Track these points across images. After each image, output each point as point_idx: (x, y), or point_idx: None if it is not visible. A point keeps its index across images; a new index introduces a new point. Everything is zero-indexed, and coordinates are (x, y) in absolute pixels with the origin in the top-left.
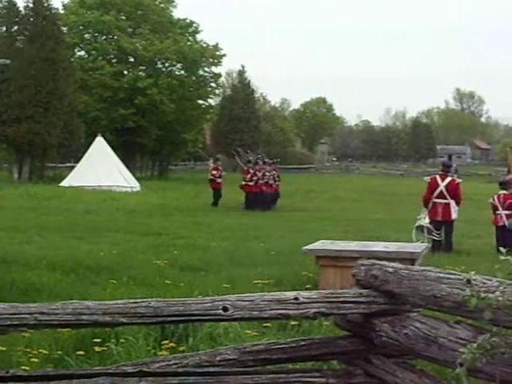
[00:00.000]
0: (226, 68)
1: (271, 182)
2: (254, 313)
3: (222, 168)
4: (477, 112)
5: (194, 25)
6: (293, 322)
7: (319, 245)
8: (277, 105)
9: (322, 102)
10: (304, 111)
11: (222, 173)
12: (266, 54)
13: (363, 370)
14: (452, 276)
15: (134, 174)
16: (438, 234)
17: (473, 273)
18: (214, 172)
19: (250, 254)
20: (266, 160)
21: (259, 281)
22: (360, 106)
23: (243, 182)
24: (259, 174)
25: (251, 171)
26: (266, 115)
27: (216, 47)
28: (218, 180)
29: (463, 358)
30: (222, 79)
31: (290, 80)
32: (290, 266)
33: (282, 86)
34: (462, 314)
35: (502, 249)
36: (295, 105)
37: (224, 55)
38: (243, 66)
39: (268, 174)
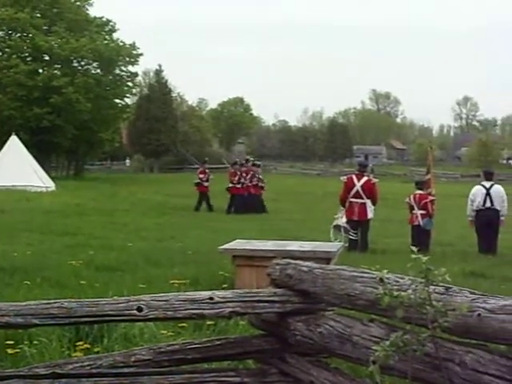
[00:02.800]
0: (143, 67)
1: (261, 184)
2: (169, 313)
3: (208, 171)
4: (393, 113)
5: (111, 23)
6: (209, 322)
7: (235, 244)
8: (194, 104)
9: (239, 101)
10: (221, 111)
11: (210, 176)
12: (184, 54)
13: (278, 368)
14: (365, 275)
15: (49, 174)
16: (355, 233)
17: (385, 271)
18: (201, 176)
19: (167, 253)
20: (256, 162)
21: (176, 281)
22: (277, 106)
23: (230, 185)
24: (247, 176)
25: (238, 173)
26: (183, 115)
27: (133, 46)
28: (205, 184)
29: (376, 356)
30: (139, 78)
31: (207, 80)
32: (207, 266)
33: (199, 86)
34: (375, 312)
35: (413, 248)
36: (213, 104)
37: (141, 54)
38: (160, 66)
39: (257, 175)
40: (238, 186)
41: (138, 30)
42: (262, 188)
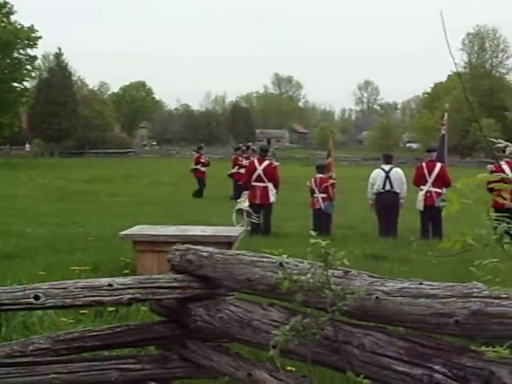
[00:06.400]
0: (43, 50)
1: None
2: (67, 300)
3: (205, 157)
4: (295, 97)
5: (8, 5)
6: (110, 309)
7: (136, 230)
8: (95, 88)
9: (141, 85)
10: (123, 95)
11: (206, 161)
12: (85, 38)
13: (179, 354)
14: (265, 259)
15: None
16: (257, 217)
17: (285, 256)
18: (203, 161)
19: (68, 239)
20: (255, 148)
21: (77, 267)
22: (180, 90)
23: (233, 171)
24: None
25: (240, 159)
26: (84, 99)
27: (31, 29)
28: (203, 169)
29: (276, 340)
30: (39, 62)
31: (107, 64)
32: (108, 252)
33: (99, 70)
34: (275, 296)
35: (312, 232)
36: (114, 88)
37: (40, 37)
38: (60, 49)
39: None
40: (242, 171)
41: (38, 12)
42: None
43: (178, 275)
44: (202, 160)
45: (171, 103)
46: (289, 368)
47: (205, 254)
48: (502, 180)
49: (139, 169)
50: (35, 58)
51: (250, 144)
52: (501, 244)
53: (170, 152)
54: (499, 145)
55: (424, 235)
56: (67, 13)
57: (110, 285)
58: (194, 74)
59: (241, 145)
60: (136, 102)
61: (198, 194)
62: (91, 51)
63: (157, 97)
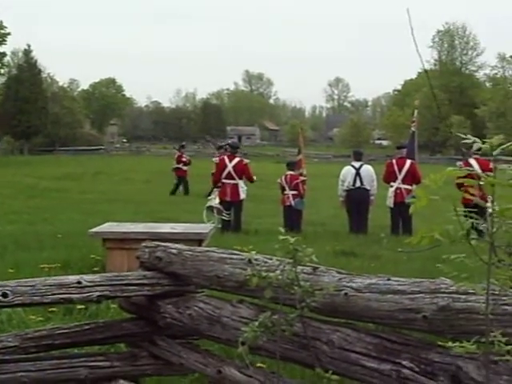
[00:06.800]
0: (12, 47)
1: None
2: (36, 298)
3: (186, 155)
4: (266, 94)
5: None
6: (80, 306)
7: (106, 227)
8: (65, 85)
9: (111, 82)
10: (93, 92)
11: (187, 159)
12: (54, 35)
13: (148, 352)
14: (235, 256)
15: None
16: (228, 214)
17: (254, 252)
18: (184, 159)
19: (37, 237)
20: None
21: (46, 265)
22: (150, 87)
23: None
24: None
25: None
26: (53, 96)
27: (0, 25)
28: (184, 168)
29: (245, 337)
30: (7, 58)
31: (77, 60)
32: (78, 249)
33: (70, 67)
34: (244, 293)
35: (281, 229)
36: (84, 85)
37: (9, 34)
38: (29, 46)
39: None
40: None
41: (6, 8)
42: None
43: (147, 272)
44: (184, 159)
45: (141, 100)
46: (259, 364)
47: (174, 251)
48: (470, 175)
49: (110, 166)
50: (4, 54)
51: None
52: (467, 240)
53: (140, 149)
54: (467, 141)
55: (394, 232)
56: (36, 9)
57: (78, 282)
58: (164, 71)
59: (223, 144)
60: (106, 99)
61: (174, 191)
62: (61, 48)
63: (127, 94)
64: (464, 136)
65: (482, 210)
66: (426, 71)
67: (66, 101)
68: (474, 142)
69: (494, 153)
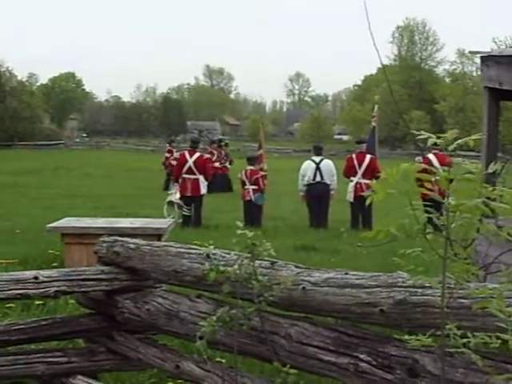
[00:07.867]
0: None
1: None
2: None
3: (175, 150)
4: (226, 88)
5: None
6: (37, 302)
7: (64, 222)
8: (24, 79)
9: (71, 76)
10: (52, 86)
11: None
12: (13, 28)
13: (106, 347)
14: (193, 251)
15: None
16: (188, 209)
17: (212, 247)
18: (168, 155)
19: None
20: (227, 142)
21: (3, 260)
22: (110, 82)
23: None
24: (223, 156)
25: (215, 152)
26: (12, 90)
27: None
28: (173, 162)
29: (203, 331)
30: None
31: (37, 55)
32: (36, 245)
33: (29, 61)
34: (202, 288)
35: (238, 223)
36: (43, 80)
37: None
38: None
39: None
40: (217, 165)
41: None
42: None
43: (104, 267)
44: (168, 154)
45: (101, 95)
46: (218, 359)
47: (132, 245)
48: (425, 170)
49: (69, 161)
50: None
51: (222, 138)
52: (423, 234)
53: (100, 144)
54: (421, 136)
55: (354, 226)
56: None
57: (35, 277)
58: (124, 66)
59: (215, 139)
60: (65, 94)
61: (166, 187)
62: (20, 41)
63: (87, 88)
64: (417, 133)
65: (439, 204)
66: (383, 66)
67: (25, 95)
68: (429, 138)
69: (450, 147)
